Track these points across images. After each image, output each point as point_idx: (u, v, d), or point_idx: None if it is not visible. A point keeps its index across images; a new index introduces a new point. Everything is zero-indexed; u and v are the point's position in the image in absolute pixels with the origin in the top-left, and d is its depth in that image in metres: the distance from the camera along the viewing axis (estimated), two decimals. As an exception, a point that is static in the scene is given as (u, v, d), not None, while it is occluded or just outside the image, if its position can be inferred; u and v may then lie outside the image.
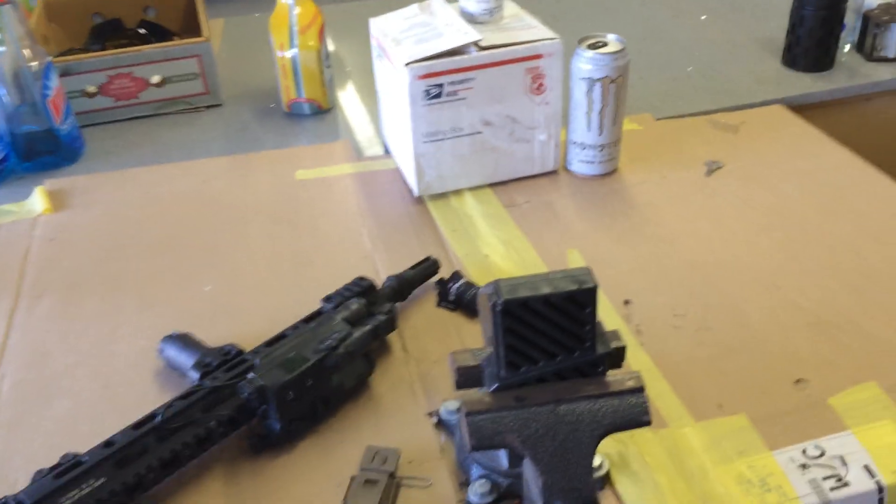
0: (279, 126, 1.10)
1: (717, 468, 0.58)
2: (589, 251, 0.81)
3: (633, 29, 1.34)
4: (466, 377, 0.50)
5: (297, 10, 1.04)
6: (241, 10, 1.51)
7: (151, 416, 0.56)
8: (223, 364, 0.62)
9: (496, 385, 0.48)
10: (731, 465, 0.58)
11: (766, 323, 0.71)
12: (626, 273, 0.78)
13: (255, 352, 0.63)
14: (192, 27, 1.23)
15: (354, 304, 0.67)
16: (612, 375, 0.49)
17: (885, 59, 1.18)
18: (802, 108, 1.09)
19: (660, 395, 0.64)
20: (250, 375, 0.59)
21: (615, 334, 0.50)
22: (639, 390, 0.47)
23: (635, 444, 0.60)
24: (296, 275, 0.80)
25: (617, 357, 0.49)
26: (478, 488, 0.55)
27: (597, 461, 0.57)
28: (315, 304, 0.69)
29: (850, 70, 1.16)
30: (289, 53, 1.06)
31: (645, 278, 0.77)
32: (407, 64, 0.82)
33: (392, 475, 0.56)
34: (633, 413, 0.46)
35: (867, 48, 1.19)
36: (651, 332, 0.71)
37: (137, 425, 0.56)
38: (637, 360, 0.68)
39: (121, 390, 0.67)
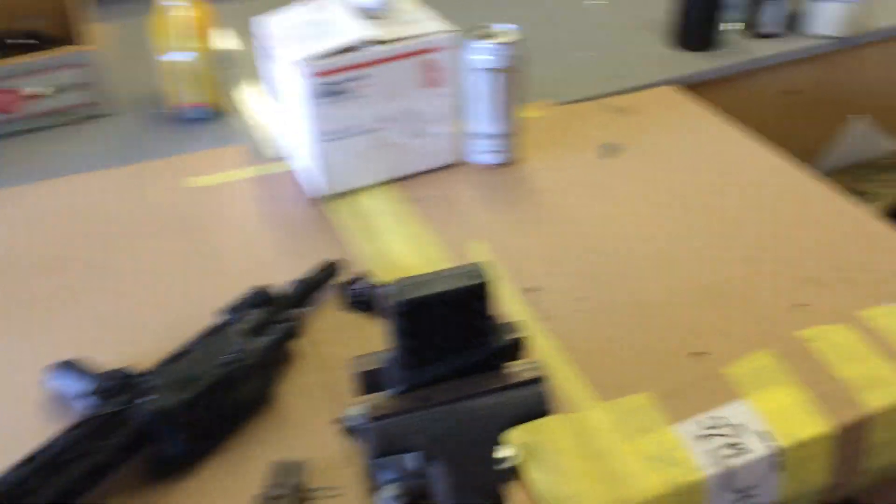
0: (172, 133, 1.07)
1: (624, 447, 0.59)
2: (493, 241, 0.82)
3: (527, 16, 1.34)
4: (369, 382, 0.50)
5: (182, 12, 1.01)
6: (131, 14, 1.45)
7: (40, 451, 0.54)
8: (117, 388, 0.60)
9: (399, 388, 0.48)
10: (637, 443, 0.59)
11: (664, 299, 0.73)
12: (531, 260, 0.79)
13: (153, 371, 0.61)
14: (77, 35, 1.18)
15: (255, 315, 0.65)
16: (513, 367, 0.49)
17: (768, 35, 1.23)
18: (693, 86, 1.12)
19: (567, 378, 0.65)
20: (147, 398, 0.57)
21: (514, 325, 0.51)
22: (538, 381, 0.48)
23: (545, 430, 0.61)
24: (195, 288, 0.78)
25: (516, 348, 0.50)
26: (386, 493, 0.55)
27: (508, 452, 0.58)
28: (216, 317, 0.67)
29: (735, 47, 1.20)
30: (175, 57, 1.02)
31: (549, 264, 0.79)
32: (300, 62, 0.81)
33: (298, 488, 0.55)
34: (534, 404, 0.47)
35: (751, 25, 1.23)
36: (557, 318, 0.72)
37: (21, 464, 0.53)
38: (545, 347, 0.69)
39: (2, 428, 0.64)
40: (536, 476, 0.57)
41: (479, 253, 0.80)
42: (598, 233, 0.83)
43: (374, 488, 0.56)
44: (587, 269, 0.78)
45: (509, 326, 0.50)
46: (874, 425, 0.60)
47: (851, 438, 0.60)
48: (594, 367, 0.66)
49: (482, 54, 0.88)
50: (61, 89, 1.07)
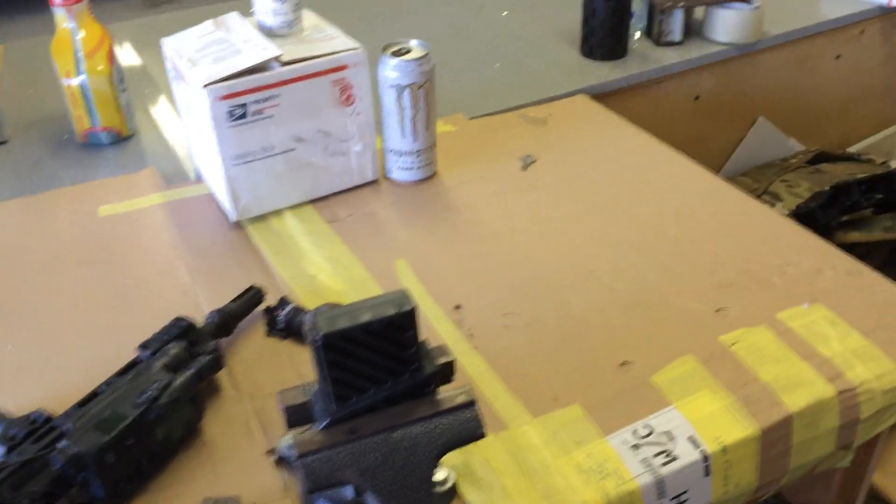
0: (76, 159, 1.02)
1: (558, 461, 0.59)
2: (416, 259, 0.81)
3: (437, 29, 1.35)
4: (297, 415, 0.48)
5: (80, 34, 0.97)
6: (22, 33, 1.39)
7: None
8: (31, 434, 0.56)
9: (327, 420, 0.46)
10: (570, 457, 0.59)
11: (588, 310, 0.74)
12: (455, 277, 0.79)
13: (67, 415, 0.58)
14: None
15: (174, 349, 0.63)
16: (444, 392, 0.48)
17: (672, 44, 1.26)
18: (602, 95, 1.14)
19: (497, 396, 0.65)
20: (62, 443, 0.54)
21: (442, 349, 0.50)
22: (470, 404, 0.47)
23: (478, 450, 0.60)
24: (110, 322, 0.75)
25: (445, 373, 0.49)
26: (324, 525, 0.53)
27: (442, 475, 0.57)
28: (132, 353, 0.64)
29: (642, 56, 1.23)
30: (76, 81, 0.98)
31: (473, 280, 0.78)
32: (205, 85, 0.78)
33: (232, 527, 0.53)
34: (468, 428, 0.47)
35: (655, 34, 1.27)
36: (483, 335, 0.71)
37: None
38: (472, 365, 0.68)
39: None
40: (473, 497, 0.56)
41: (401, 272, 0.79)
42: (521, 246, 0.83)
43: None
44: (510, 283, 0.78)
45: (438, 351, 0.50)
46: (795, 426, 0.62)
47: (776, 439, 0.62)
48: (523, 383, 0.66)
49: (394, 71, 0.87)
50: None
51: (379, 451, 0.45)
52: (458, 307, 0.75)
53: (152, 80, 1.21)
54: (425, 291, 0.76)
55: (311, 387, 0.48)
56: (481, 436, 0.46)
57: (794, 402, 0.62)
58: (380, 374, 0.45)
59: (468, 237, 0.85)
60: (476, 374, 0.67)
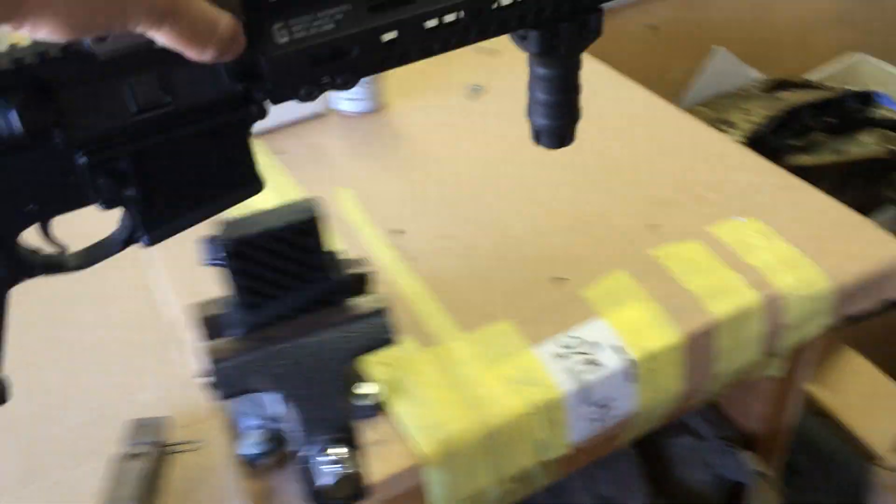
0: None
1: (486, 373, 0.60)
2: (359, 188, 0.81)
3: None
4: (213, 327, 0.49)
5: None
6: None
7: None
8: None
9: (241, 329, 0.47)
10: (498, 369, 0.61)
11: (526, 231, 0.74)
12: (398, 204, 0.79)
13: None
14: None
15: None
16: (356, 301, 0.49)
17: (629, -28, 1.25)
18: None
19: (431, 314, 0.66)
20: None
21: (358, 262, 0.51)
22: (380, 311, 0.48)
23: (408, 366, 0.61)
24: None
25: (360, 283, 0.50)
26: (249, 439, 0.54)
27: (370, 389, 0.58)
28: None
29: (598, -15, 1.22)
30: None
31: (416, 207, 0.79)
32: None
33: (160, 445, 0.54)
34: (376, 333, 0.47)
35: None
36: (423, 257, 0.72)
37: None
38: (412, 287, 0.69)
39: None
40: (401, 409, 0.58)
41: (343, 200, 0.80)
42: (465, 173, 0.83)
43: (236, 437, 0.56)
44: (452, 208, 0.78)
45: (352, 262, 0.50)
46: (720, 332, 0.63)
47: (700, 345, 0.63)
48: (457, 302, 0.67)
49: None
50: None
51: (289, 356, 0.45)
52: (398, 232, 0.75)
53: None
54: (369, 218, 0.77)
55: (224, 299, 0.49)
56: (390, 342, 0.47)
57: (719, 308, 0.63)
58: (286, 281, 0.46)
59: (413, 165, 0.85)
60: (413, 295, 0.68)
